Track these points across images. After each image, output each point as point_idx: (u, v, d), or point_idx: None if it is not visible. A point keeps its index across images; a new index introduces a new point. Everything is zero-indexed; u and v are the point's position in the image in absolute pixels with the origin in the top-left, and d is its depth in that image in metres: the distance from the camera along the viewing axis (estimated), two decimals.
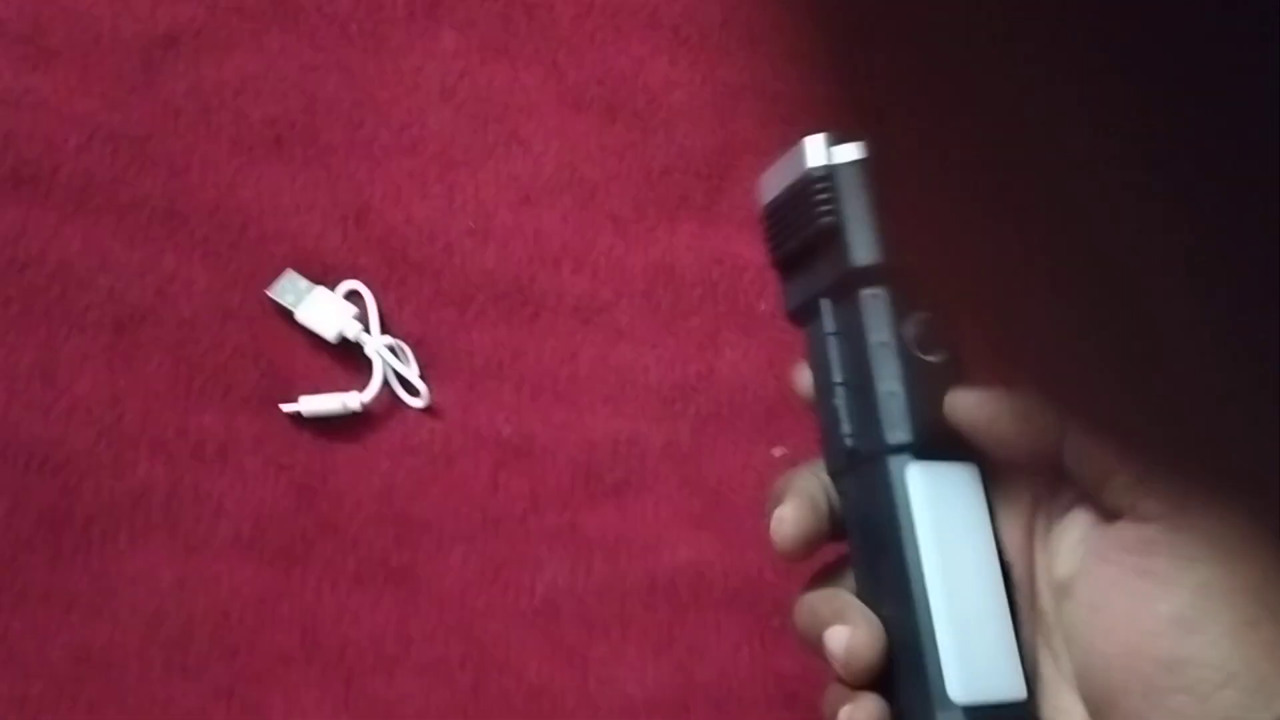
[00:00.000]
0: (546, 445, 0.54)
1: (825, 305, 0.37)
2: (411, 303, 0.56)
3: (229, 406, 0.52)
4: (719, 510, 0.54)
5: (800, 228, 0.37)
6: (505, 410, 0.54)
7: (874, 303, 0.36)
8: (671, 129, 0.60)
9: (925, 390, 0.35)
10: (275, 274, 0.55)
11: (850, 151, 0.36)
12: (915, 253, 0.17)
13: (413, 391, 0.54)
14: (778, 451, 0.55)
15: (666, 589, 0.52)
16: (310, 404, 0.52)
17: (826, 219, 0.36)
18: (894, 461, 0.35)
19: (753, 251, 0.58)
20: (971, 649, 0.34)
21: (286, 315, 0.54)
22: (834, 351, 0.37)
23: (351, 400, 0.53)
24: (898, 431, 0.35)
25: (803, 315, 0.39)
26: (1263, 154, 0.11)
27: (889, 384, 0.36)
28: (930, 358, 0.36)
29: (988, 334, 0.18)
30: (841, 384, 0.37)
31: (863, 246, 0.36)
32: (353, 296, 0.55)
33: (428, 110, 0.59)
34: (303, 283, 0.55)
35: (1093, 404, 0.17)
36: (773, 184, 0.39)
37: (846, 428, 0.36)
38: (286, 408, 0.52)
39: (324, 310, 0.54)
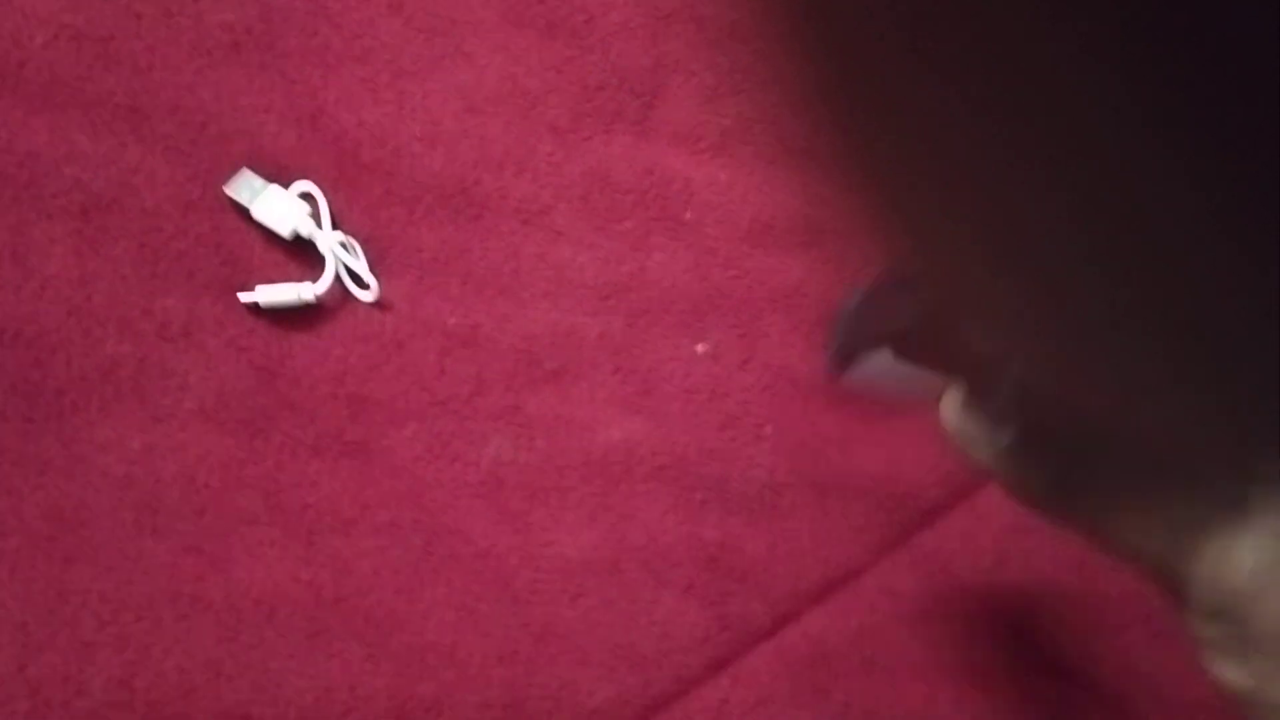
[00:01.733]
0: (490, 334, 0.58)
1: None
2: (362, 202, 0.59)
3: (191, 291, 0.56)
4: (648, 396, 0.58)
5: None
6: (451, 303, 0.58)
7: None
8: (607, 48, 0.64)
9: None
10: (233, 170, 0.58)
11: None
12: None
13: (363, 285, 0.57)
14: (701, 347, 0.60)
15: (600, 463, 0.56)
16: (266, 295, 0.56)
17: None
18: None
19: (680, 164, 0.63)
20: None
21: (243, 210, 0.57)
22: None
23: (305, 291, 0.56)
24: None
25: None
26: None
27: None
28: None
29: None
30: None
31: None
32: (306, 195, 0.58)
33: (378, 21, 0.63)
34: (258, 181, 0.58)
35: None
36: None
37: None
38: (244, 297, 0.56)
39: (279, 208, 0.57)
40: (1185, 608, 0.31)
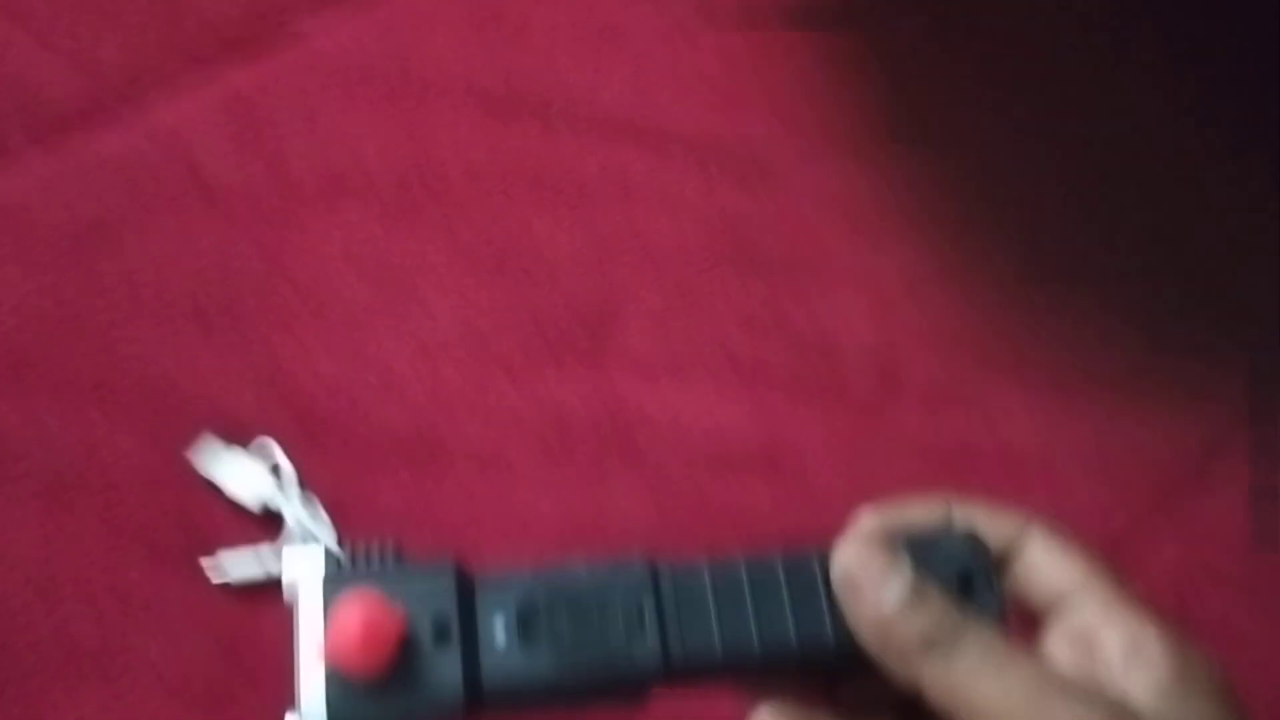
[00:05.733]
0: None
1: None
2: (320, 455, 0.61)
3: (154, 562, 0.57)
4: None
5: None
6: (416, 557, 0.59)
7: None
8: (556, 281, 0.66)
9: None
10: (196, 434, 0.60)
11: None
12: None
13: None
14: None
15: None
16: (233, 568, 0.57)
17: None
18: None
19: (633, 392, 0.64)
20: None
21: (206, 477, 0.59)
22: None
23: (270, 563, 0.58)
24: None
25: None
26: None
27: None
28: None
29: None
30: None
31: None
32: (267, 453, 0.60)
33: (333, 275, 0.65)
34: (219, 445, 0.60)
35: None
36: None
37: None
38: (207, 565, 0.57)
39: (240, 472, 0.59)
40: None
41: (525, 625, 0.34)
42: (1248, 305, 0.70)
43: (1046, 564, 0.35)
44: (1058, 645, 0.34)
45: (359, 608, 0.32)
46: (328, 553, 0.34)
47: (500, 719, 0.34)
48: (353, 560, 0.35)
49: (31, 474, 0.58)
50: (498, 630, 0.34)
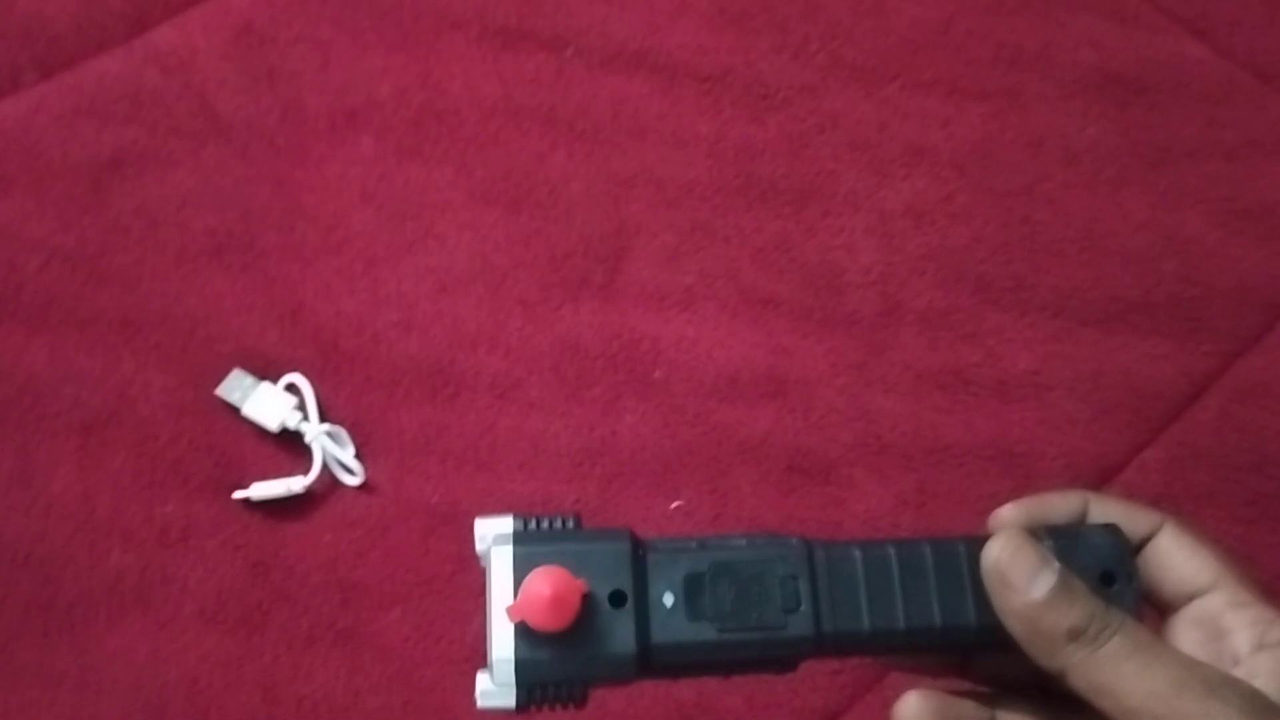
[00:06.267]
0: (470, 510, 0.61)
1: None
2: (345, 389, 0.63)
3: (187, 495, 0.59)
4: None
5: None
6: (432, 481, 0.62)
7: None
8: (571, 216, 0.67)
9: None
10: (223, 372, 0.62)
11: None
12: None
13: (349, 472, 0.61)
14: (675, 504, 0.63)
15: None
16: (259, 490, 0.60)
17: None
18: None
19: (647, 324, 0.66)
20: None
21: (234, 410, 0.61)
22: None
23: (295, 484, 0.60)
24: None
25: None
26: None
27: None
28: None
29: None
30: None
31: None
32: (292, 388, 0.62)
33: (351, 212, 0.66)
34: (248, 379, 0.62)
35: None
36: None
37: None
38: (238, 494, 0.59)
39: (267, 404, 0.61)
40: None
41: (691, 594, 0.36)
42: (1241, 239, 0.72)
43: (1180, 558, 0.37)
44: (1184, 634, 0.36)
45: (547, 575, 0.35)
46: (515, 518, 0.37)
47: (663, 679, 0.37)
48: (538, 527, 0.37)
49: (64, 413, 0.60)
50: (666, 597, 0.36)
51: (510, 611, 0.35)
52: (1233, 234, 0.71)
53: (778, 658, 0.37)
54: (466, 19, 0.71)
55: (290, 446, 0.61)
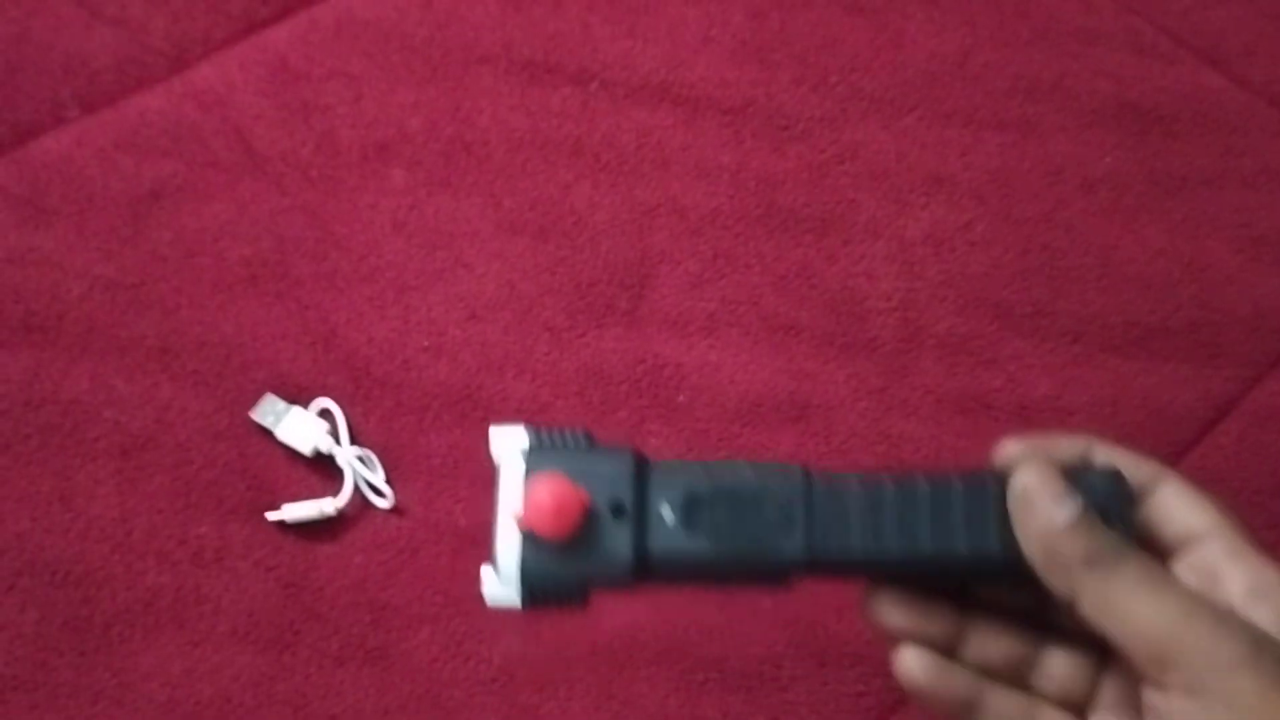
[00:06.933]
0: None
1: None
2: (376, 414, 0.64)
3: (222, 517, 0.61)
4: None
5: None
6: (461, 504, 0.63)
7: None
8: (596, 245, 0.69)
9: None
10: (257, 396, 0.63)
11: None
12: None
13: (380, 494, 0.62)
14: None
15: (605, 651, 0.60)
16: (292, 511, 0.61)
17: None
18: None
19: (670, 350, 0.67)
20: None
21: (268, 433, 0.62)
22: None
23: (327, 506, 0.61)
24: None
25: None
26: None
27: None
28: None
29: None
30: None
31: None
32: (324, 413, 0.63)
33: (383, 241, 0.68)
34: (280, 404, 0.63)
35: None
36: None
37: None
38: (271, 516, 0.61)
39: (300, 428, 0.62)
40: None
41: (689, 510, 0.38)
42: (1261, 266, 0.73)
43: (1179, 507, 0.38)
44: (1181, 579, 0.37)
45: (550, 482, 0.37)
46: (528, 430, 0.39)
47: (661, 588, 0.39)
48: (550, 440, 0.39)
49: (104, 436, 0.62)
50: (666, 512, 0.38)
51: (518, 520, 0.37)
52: (1250, 260, 0.72)
53: (771, 574, 0.39)
54: (494, 54, 0.73)
55: (322, 470, 0.63)
